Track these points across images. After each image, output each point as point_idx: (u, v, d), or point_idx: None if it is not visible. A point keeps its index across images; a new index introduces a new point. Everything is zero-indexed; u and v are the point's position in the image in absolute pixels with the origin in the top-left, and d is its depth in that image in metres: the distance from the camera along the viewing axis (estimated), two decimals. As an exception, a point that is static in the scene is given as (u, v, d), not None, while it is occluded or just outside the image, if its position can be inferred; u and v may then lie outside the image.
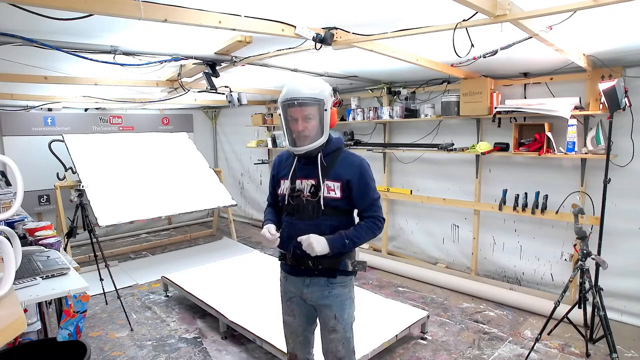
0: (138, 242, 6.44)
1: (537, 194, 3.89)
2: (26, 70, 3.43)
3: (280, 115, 1.89)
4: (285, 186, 1.94)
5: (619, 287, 3.53)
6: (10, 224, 2.85)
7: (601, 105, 3.31)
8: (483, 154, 4.04)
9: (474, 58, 3.05)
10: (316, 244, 1.78)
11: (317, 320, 2.05)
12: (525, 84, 3.97)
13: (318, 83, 1.86)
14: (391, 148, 4.97)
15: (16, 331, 1.13)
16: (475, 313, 3.85)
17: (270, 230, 1.88)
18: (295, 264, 1.95)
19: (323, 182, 1.85)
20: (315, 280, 1.92)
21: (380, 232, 1.94)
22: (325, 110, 1.83)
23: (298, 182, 1.90)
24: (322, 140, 1.85)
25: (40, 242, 2.57)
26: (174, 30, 2.48)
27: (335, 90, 1.91)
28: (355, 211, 1.98)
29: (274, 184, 2.06)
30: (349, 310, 1.97)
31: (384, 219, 1.95)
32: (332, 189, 1.85)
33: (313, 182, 1.87)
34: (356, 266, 1.94)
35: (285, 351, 2.81)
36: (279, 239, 1.89)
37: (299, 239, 1.82)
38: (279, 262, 2.08)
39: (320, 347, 2.05)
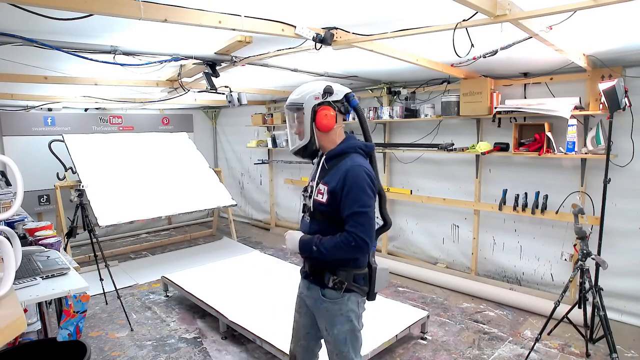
0: (138, 242, 6.43)
1: (537, 194, 3.89)
2: (26, 70, 3.43)
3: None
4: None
5: (619, 287, 3.53)
6: (10, 224, 2.85)
7: (601, 105, 3.31)
8: (483, 154, 4.03)
9: (474, 58, 3.05)
10: (288, 238, 1.87)
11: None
12: (525, 84, 3.97)
13: (308, 87, 1.85)
14: (391, 148, 4.97)
15: (16, 331, 1.13)
16: (475, 313, 3.85)
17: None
18: (302, 265, 2.00)
19: (317, 184, 1.85)
20: (312, 287, 1.92)
21: (357, 253, 1.74)
22: (304, 114, 1.82)
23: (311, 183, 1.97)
24: (302, 143, 1.86)
25: (40, 242, 2.57)
26: (174, 30, 2.47)
27: (326, 92, 1.85)
28: None
29: None
30: (340, 327, 1.85)
31: (363, 240, 1.68)
32: (321, 192, 1.82)
33: (313, 184, 1.90)
34: (336, 284, 1.78)
35: (286, 351, 2.82)
36: None
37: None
38: None
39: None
